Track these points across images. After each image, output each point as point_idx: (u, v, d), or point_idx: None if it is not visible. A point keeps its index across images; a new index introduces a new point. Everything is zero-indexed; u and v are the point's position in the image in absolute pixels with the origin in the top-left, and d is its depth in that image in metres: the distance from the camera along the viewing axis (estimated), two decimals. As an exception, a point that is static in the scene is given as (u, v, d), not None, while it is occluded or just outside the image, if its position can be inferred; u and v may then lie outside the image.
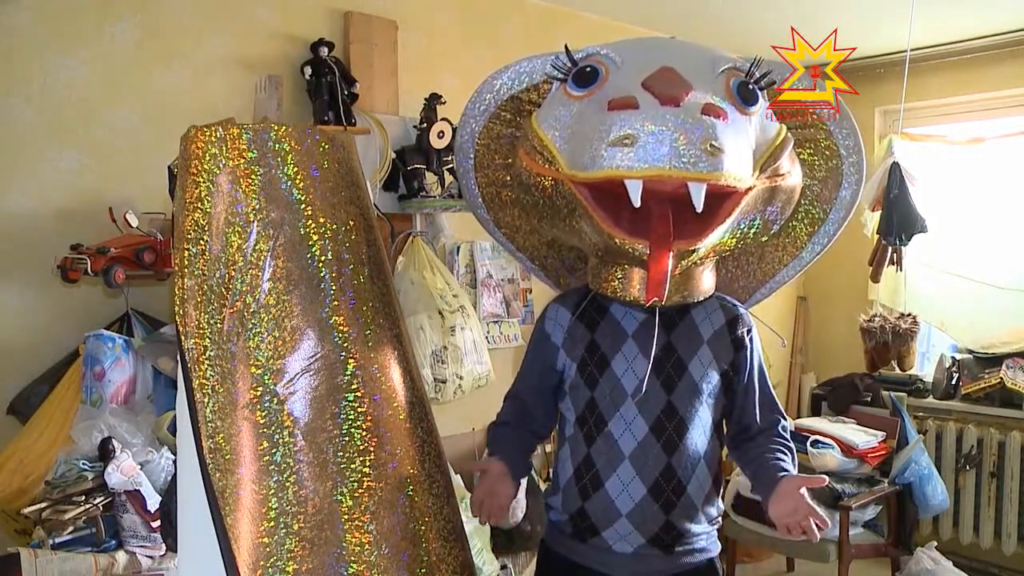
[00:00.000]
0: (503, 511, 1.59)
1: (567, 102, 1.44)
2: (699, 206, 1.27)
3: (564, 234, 1.54)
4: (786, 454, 1.54)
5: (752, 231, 1.47)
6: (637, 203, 1.27)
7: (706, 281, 1.54)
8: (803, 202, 1.61)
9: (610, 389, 1.51)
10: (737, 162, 1.30)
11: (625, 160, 1.25)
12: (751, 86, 1.43)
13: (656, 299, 1.32)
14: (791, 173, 1.48)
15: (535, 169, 1.44)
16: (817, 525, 1.38)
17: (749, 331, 1.58)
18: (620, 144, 1.25)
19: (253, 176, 1.34)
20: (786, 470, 1.50)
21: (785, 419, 1.61)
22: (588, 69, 1.45)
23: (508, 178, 1.64)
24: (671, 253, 1.31)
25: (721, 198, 1.34)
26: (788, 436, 1.59)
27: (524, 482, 1.71)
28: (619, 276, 1.50)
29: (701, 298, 1.54)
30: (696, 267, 1.49)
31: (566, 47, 1.49)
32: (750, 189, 1.37)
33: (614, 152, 1.25)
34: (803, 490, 1.41)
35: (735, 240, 1.46)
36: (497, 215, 1.75)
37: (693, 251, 1.36)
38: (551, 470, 1.66)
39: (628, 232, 1.33)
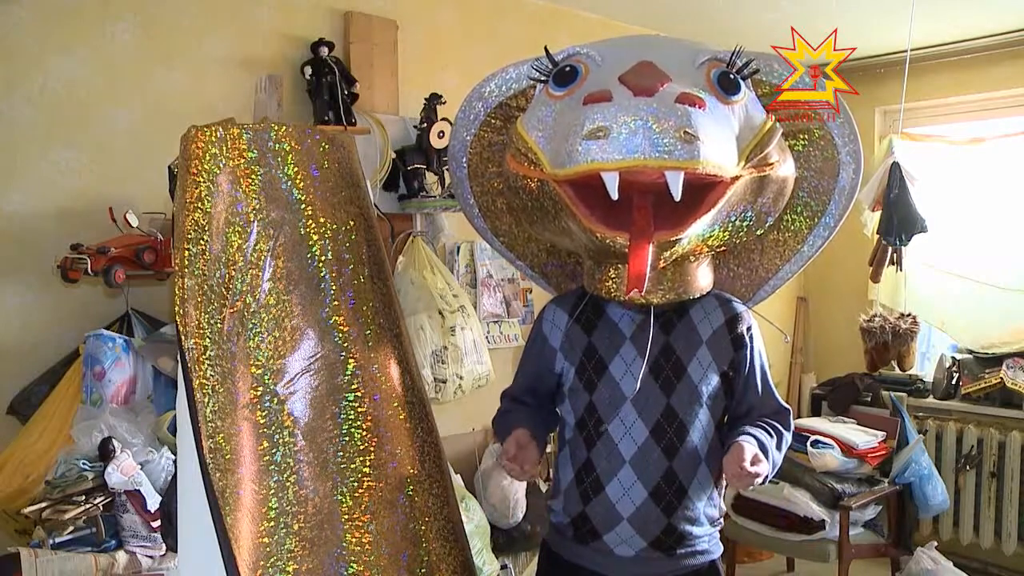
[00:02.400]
0: (534, 466, 1.52)
1: (549, 102, 1.44)
2: (677, 195, 1.26)
3: (556, 236, 1.53)
4: (770, 435, 1.50)
5: (745, 224, 1.45)
6: (614, 195, 1.25)
7: (703, 278, 1.53)
8: (801, 195, 1.59)
9: (609, 392, 1.50)
10: (716, 150, 1.28)
11: (600, 153, 1.23)
12: (732, 76, 1.42)
13: (636, 291, 1.29)
14: (781, 163, 1.46)
15: (521, 171, 1.44)
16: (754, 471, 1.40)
17: (749, 329, 1.56)
18: (594, 137, 1.23)
19: (253, 176, 1.35)
20: (750, 435, 1.47)
21: (786, 409, 1.57)
22: (568, 68, 1.44)
23: (502, 186, 1.63)
24: (651, 245, 1.29)
25: (705, 188, 1.32)
26: (786, 422, 1.55)
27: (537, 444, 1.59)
28: (613, 276, 1.49)
29: (697, 295, 1.52)
30: (690, 263, 1.48)
31: (546, 48, 1.49)
32: (736, 179, 1.35)
33: (589, 145, 1.24)
34: (747, 453, 1.41)
35: (727, 234, 1.44)
36: (494, 224, 1.75)
37: (676, 242, 1.34)
38: (551, 472, 1.65)
39: (608, 225, 1.31)
